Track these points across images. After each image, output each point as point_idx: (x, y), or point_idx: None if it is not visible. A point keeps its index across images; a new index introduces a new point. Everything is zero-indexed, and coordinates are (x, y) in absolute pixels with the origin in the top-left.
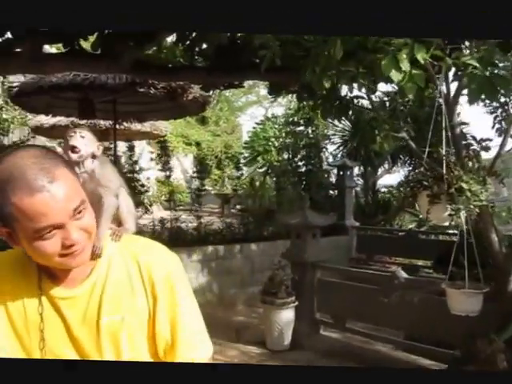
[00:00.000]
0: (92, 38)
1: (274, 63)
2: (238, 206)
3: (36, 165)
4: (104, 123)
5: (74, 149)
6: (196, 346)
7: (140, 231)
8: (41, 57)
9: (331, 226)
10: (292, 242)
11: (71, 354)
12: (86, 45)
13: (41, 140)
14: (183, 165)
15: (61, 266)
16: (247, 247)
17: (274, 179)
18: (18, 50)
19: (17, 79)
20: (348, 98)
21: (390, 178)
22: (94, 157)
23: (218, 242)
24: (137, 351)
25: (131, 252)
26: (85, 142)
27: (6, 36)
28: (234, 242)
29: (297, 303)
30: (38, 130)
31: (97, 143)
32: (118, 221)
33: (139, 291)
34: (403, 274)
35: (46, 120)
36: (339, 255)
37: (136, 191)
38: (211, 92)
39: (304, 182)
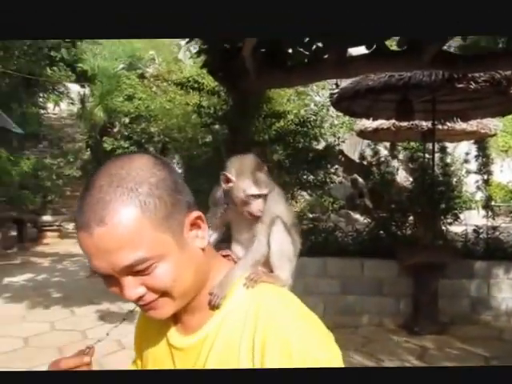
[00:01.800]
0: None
1: None
2: None
3: (99, 192)
4: (426, 124)
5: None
6: None
7: (451, 240)
8: (345, 60)
9: None
10: None
11: None
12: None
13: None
14: None
15: None
16: None
17: None
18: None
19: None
20: None
21: None
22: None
23: None
24: None
25: (256, 309)
26: (264, 201)
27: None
28: None
29: None
30: (362, 133)
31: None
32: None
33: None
34: None
35: (369, 124)
36: None
37: (449, 197)
38: None
39: None
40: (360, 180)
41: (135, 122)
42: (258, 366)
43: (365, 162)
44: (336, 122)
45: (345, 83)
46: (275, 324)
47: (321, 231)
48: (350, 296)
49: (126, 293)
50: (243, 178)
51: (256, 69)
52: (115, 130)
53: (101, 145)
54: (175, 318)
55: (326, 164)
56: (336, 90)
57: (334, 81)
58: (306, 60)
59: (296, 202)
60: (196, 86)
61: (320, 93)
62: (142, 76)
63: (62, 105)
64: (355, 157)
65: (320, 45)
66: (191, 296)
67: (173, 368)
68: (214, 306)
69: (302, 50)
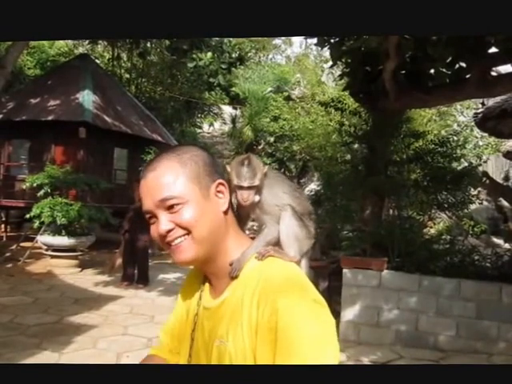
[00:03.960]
0: None
1: None
2: None
3: (167, 153)
4: None
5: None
6: None
7: None
8: (489, 80)
9: None
10: None
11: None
12: None
13: None
14: None
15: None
16: None
17: None
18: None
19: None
20: None
21: None
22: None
23: None
24: None
25: (259, 276)
26: (253, 190)
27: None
28: None
29: None
30: (509, 154)
31: (263, 171)
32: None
33: (246, 329)
34: None
35: None
36: None
37: None
38: None
39: None
40: (505, 204)
41: (279, 141)
42: (254, 319)
43: (510, 184)
44: (480, 143)
45: (491, 102)
46: (269, 288)
47: (457, 252)
48: (486, 321)
49: (161, 226)
50: (230, 172)
51: (396, 90)
52: (260, 147)
53: None
54: (210, 284)
55: (466, 185)
56: (481, 110)
57: (480, 100)
58: (447, 80)
59: (434, 224)
60: (339, 105)
61: (464, 112)
62: (288, 98)
63: (216, 125)
64: (501, 179)
65: (463, 64)
66: (209, 247)
67: (202, 329)
68: (232, 277)
69: (443, 70)
